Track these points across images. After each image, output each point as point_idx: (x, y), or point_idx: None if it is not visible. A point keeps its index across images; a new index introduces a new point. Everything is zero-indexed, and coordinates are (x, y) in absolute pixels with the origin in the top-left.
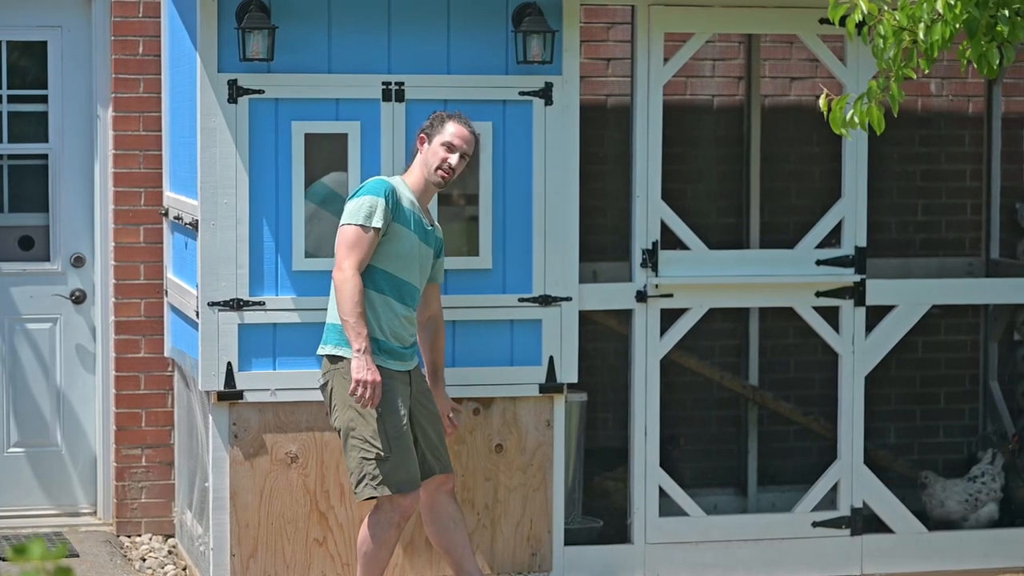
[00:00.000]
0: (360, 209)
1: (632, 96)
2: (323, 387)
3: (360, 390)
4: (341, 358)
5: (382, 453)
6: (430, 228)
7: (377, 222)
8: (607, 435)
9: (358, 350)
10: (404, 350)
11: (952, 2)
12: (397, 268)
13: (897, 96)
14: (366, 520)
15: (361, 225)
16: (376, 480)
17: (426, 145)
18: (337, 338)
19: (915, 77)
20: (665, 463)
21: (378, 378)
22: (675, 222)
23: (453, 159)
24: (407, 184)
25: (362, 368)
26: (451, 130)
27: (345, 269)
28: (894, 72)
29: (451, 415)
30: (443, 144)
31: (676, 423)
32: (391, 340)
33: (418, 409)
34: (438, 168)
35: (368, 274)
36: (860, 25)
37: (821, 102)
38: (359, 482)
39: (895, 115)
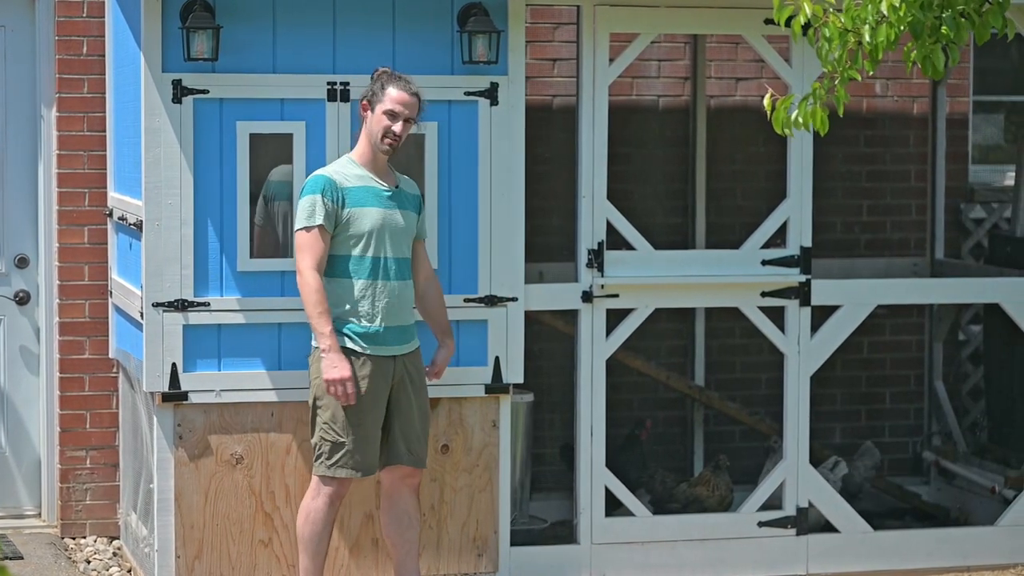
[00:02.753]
0: (302, 211)
1: (578, 96)
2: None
3: (333, 389)
4: (319, 347)
5: (340, 438)
6: (394, 190)
7: (319, 219)
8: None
9: (324, 350)
10: (384, 333)
11: (896, 4)
12: (364, 249)
13: (842, 97)
14: (303, 504)
15: (305, 227)
16: (331, 461)
17: (369, 113)
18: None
19: (860, 79)
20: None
21: (347, 374)
22: (621, 222)
23: (397, 127)
24: (354, 160)
25: (330, 366)
26: (393, 96)
27: (302, 272)
28: (839, 73)
29: (433, 366)
30: (385, 112)
31: (622, 423)
32: (365, 323)
33: (403, 394)
34: (383, 138)
35: (336, 265)
36: (806, 27)
37: (765, 101)
38: (316, 459)
39: (840, 115)
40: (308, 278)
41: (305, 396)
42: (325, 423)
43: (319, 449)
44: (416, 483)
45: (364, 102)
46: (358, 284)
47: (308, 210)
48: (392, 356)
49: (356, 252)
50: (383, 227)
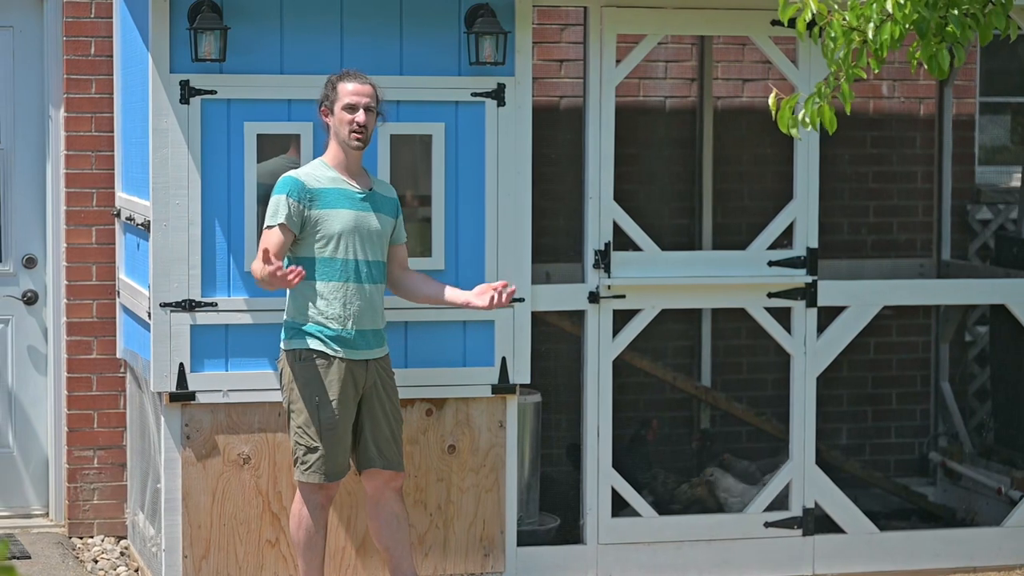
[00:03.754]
0: (268, 211)
1: (585, 97)
2: (279, 375)
3: (269, 273)
4: (289, 351)
5: (313, 443)
6: (366, 192)
7: (279, 218)
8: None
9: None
10: (354, 336)
11: (902, 1)
12: (334, 250)
13: (848, 95)
14: (293, 510)
15: (267, 226)
16: (305, 466)
17: (331, 117)
18: (287, 333)
19: (865, 77)
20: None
21: (269, 267)
22: (627, 223)
23: (360, 117)
24: (326, 163)
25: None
26: (348, 89)
27: (253, 263)
28: (844, 72)
29: (498, 291)
30: (344, 108)
31: (629, 424)
32: (335, 326)
33: (375, 400)
34: (351, 133)
35: (305, 267)
36: (811, 25)
37: (770, 101)
38: (293, 464)
39: (847, 113)
40: (255, 265)
41: None
42: (299, 427)
43: (294, 454)
44: (398, 486)
45: (323, 108)
46: (328, 286)
47: (273, 209)
48: (364, 360)
49: (326, 254)
50: (354, 229)
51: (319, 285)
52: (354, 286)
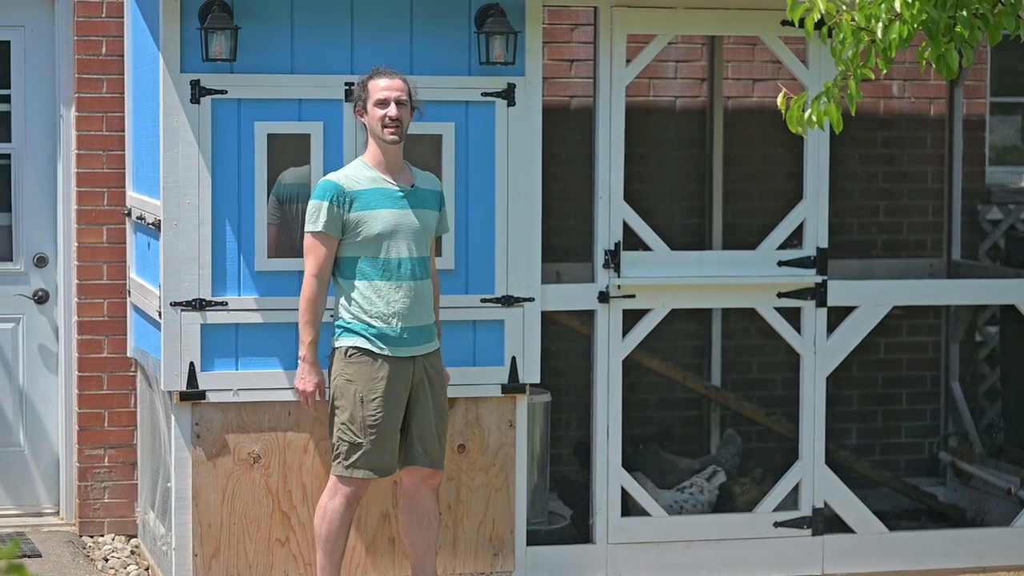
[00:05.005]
0: (309, 215)
1: (595, 97)
2: (328, 372)
3: (300, 398)
4: (337, 348)
5: (356, 439)
6: (408, 189)
7: (321, 224)
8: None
9: (301, 358)
10: (400, 333)
11: (910, 1)
12: (376, 251)
13: (855, 95)
14: (320, 503)
15: (310, 232)
16: (348, 462)
17: (365, 116)
18: (335, 332)
19: (873, 77)
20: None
21: (310, 388)
22: (637, 223)
23: (392, 111)
24: (366, 162)
25: (299, 376)
26: (379, 85)
27: (305, 278)
28: (852, 71)
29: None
30: (375, 104)
31: (639, 424)
32: (380, 324)
33: (423, 396)
34: (384, 128)
35: (346, 267)
36: (819, 24)
37: (779, 100)
38: (334, 459)
39: (852, 114)
40: (305, 287)
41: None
42: (343, 423)
43: (336, 449)
44: (437, 484)
45: (357, 109)
46: (372, 286)
47: (314, 214)
48: (411, 357)
49: (368, 254)
50: (396, 228)
51: (362, 284)
52: (397, 284)
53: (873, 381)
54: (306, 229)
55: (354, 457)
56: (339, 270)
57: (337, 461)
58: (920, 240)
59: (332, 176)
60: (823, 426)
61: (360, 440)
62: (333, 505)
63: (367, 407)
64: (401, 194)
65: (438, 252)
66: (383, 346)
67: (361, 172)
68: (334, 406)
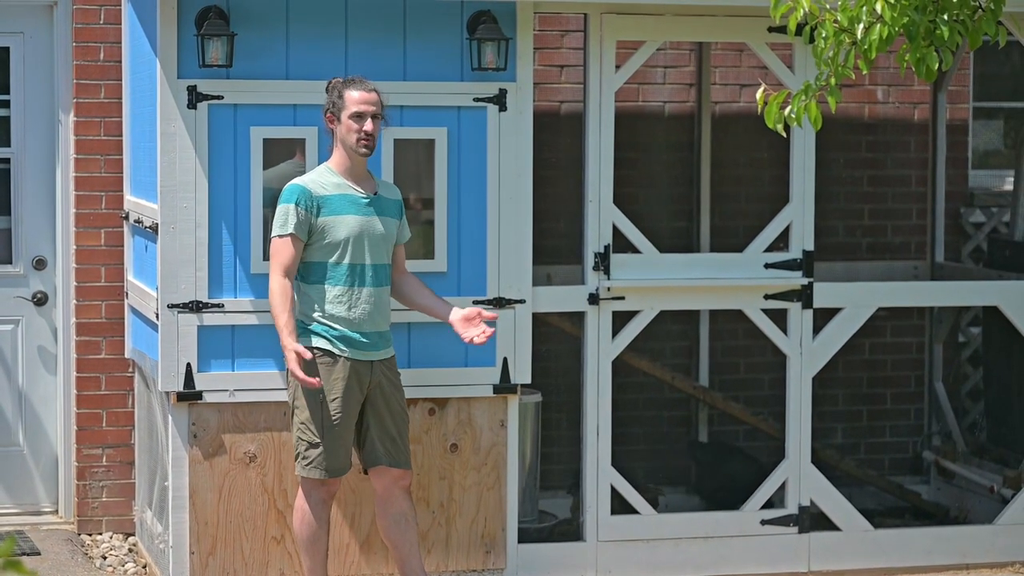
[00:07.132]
0: (277, 219)
1: (585, 102)
2: (287, 372)
3: (301, 383)
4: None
5: (315, 439)
6: (371, 197)
7: (291, 227)
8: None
9: (284, 347)
10: (360, 337)
11: (892, 2)
12: (341, 256)
13: (835, 96)
14: (296, 506)
15: (278, 235)
16: (307, 461)
17: (336, 124)
18: (298, 333)
19: (853, 77)
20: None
21: (299, 372)
22: (627, 226)
23: (368, 126)
24: (332, 168)
25: (287, 363)
26: (355, 97)
27: (271, 277)
28: (833, 72)
29: (480, 315)
30: (351, 117)
31: (628, 423)
32: (342, 327)
33: (379, 399)
34: (358, 140)
35: (314, 272)
36: (802, 25)
37: (758, 96)
38: (295, 459)
39: (832, 112)
40: (273, 283)
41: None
42: (301, 423)
43: (296, 449)
44: (407, 484)
45: (328, 115)
46: (335, 290)
47: (282, 218)
48: (369, 361)
49: (333, 259)
50: (360, 234)
51: (326, 288)
52: (360, 289)
53: (858, 381)
54: (274, 233)
55: (312, 456)
56: (303, 274)
57: (297, 460)
58: (904, 243)
59: (299, 180)
60: (809, 425)
61: (318, 440)
62: (307, 507)
63: (326, 408)
64: (366, 201)
65: (430, 255)
66: (344, 348)
67: (327, 178)
68: (294, 406)
